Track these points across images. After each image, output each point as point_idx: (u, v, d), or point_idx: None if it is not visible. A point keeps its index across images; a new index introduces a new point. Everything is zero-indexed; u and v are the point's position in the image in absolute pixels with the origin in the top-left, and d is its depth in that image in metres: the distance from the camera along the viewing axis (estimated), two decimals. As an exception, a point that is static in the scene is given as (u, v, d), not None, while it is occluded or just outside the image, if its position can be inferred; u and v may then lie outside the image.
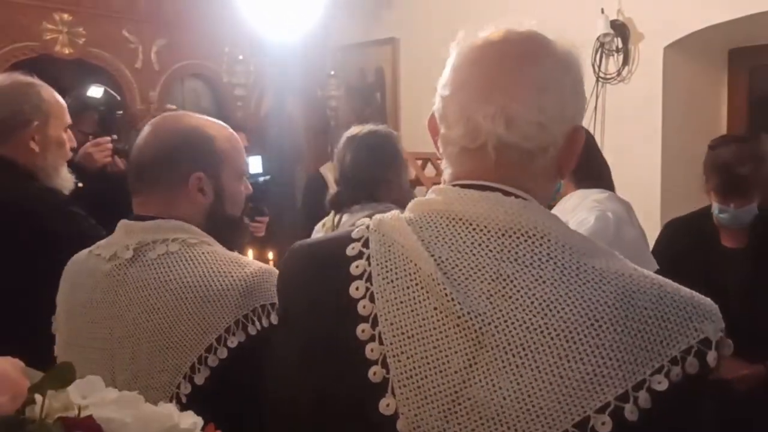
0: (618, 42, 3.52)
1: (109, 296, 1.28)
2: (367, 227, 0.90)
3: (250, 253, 2.38)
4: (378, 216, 0.91)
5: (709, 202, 2.38)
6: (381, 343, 0.81)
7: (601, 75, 3.58)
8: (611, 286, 0.79)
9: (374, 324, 0.82)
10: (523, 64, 0.86)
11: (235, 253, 1.33)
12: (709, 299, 0.82)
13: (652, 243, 2.40)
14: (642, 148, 3.45)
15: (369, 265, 0.86)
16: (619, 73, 3.55)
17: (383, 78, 4.61)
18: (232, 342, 1.20)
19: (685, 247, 2.39)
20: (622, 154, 3.13)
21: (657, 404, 0.75)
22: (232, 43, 3.89)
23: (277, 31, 3.78)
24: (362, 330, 0.83)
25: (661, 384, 0.75)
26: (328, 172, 4.05)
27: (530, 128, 0.84)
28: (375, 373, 0.81)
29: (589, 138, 2.44)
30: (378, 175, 2.17)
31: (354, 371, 0.82)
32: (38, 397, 0.78)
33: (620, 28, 3.49)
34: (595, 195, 2.27)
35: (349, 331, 0.83)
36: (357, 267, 0.86)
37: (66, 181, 1.99)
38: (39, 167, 1.91)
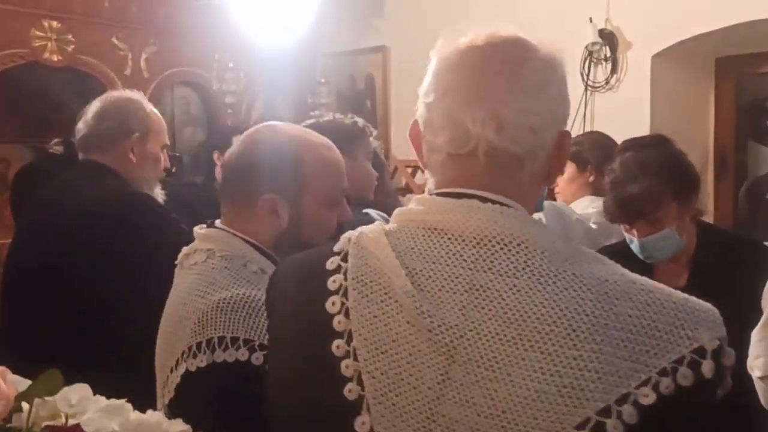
0: (606, 50, 3.54)
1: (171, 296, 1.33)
2: (349, 240, 0.87)
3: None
4: (361, 228, 0.89)
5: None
6: (356, 359, 0.79)
7: (590, 83, 3.60)
8: (592, 293, 0.74)
9: (349, 340, 0.80)
10: (510, 66, 0.84)
11: (232, 275, 1.23)
12: (707, 304, 0.76)
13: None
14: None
15: (345, 279, 0.84)
16: (607, 81, 3.57)
17: (373, 86, 4.62)
18: (182, 367, 1.15)
19: None
20: (611, 162, 3.14)
21: (645, 419, 0.69)
22: (223, 50, 3.88)
23: (268, 38, 3.78)
24: (337, 346, 0.81)
25: (647, 397, 0.70)
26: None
27: (521, 132, 0.81)
28: (350, 391, 0.79)
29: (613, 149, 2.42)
30: None
31: (331, 388, 0.80)
32: (25, 405, 0.78)
33: (608, 37, 3.52)
34: (584, 203, 2.30)
35: (326, 347, 0.81)
36: (334, 282, 0.84)
37: (157, 196, 2.06)
38: (134, 177, 1.99)
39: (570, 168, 2.37)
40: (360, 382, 0.78)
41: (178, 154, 2.84)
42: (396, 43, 4.42)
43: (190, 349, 1.14)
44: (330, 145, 1.34)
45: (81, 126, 2.00)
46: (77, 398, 0.80)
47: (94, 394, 0.83)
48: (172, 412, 1.09)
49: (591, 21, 3.51)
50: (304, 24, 3.80)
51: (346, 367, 0.80)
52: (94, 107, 2.01)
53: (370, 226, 0.88)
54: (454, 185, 0.85)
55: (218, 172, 3.53)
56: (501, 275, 0.76)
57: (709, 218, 3.80)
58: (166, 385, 1.18)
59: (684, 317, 0.73)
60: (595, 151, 2.37)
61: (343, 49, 4.59)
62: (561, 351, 0.71)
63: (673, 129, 3.60)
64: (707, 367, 0.71)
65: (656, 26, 3.38)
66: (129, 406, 0.81)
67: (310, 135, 1.34)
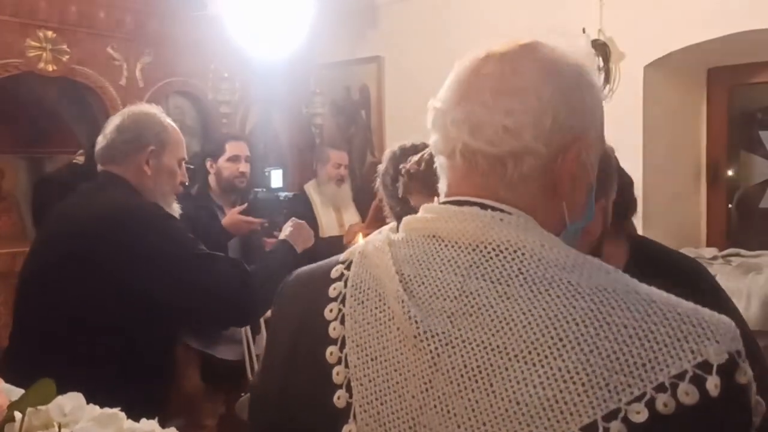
0: (599, 61, 3.56)
1: None
2: (356, 250, 0.87)
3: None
4: (370, 237, 0.88)
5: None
6: (347, 366, 0.78)
7: (583, 93, 3.62)
8: (585, 301, 0.70)
9: (342, 346, 0.79)
10: (501, 67, 0.82)
11: None
12: (721, 316, 0.70)
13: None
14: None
15: (345, 287, 0.83)
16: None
17: (368, 96, 4.63)
18: None
19: None
20: (605, 172, 3.15)
21: None
22: (218, 61, 3.89)
23: (263, 48, 3.79)
24: (330, 353, 0.80)
25: (639, 414, 0.64)
26: (313, 190, 4.05)
27: (494, 133, 0.79)
28: (339, 398, 0.78)
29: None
30: None
31: (322, 395, 0.79)
32: (18, 415, 0.77)
33: (601, 47, 3.54)
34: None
35: (320, 354, 0.80)
36: (334, 289, 0.84)
37: (172, 211, 2.09)
38: (148, 190, 2.04)
39: None
40: (349, 390, 0.77)
41: (192, 166, 2.82)
42: (390, 53, 4.44)
43: None
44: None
45: (100, 139, 2.07)
46: (70, 407, 0.79)
47: (89, 402, 0.83)
48: None
49: (584, 31, 3.53)
50: (298, 35, 3.82)
51: (337, 374, 0.79)
52: (113, 121, 2.08)
53: (379, 235, 0.87)
54: (451, 188, 0.84)
55: (211, 180, 3.49)
56: (492, 282, 0.74)
57: (701, 228, 3.83)
58: None
59: (688, 329, 0.68)
60: None
61: (337, 59, 4.61)
62: (546, 361, 0.68)
63: (666, 139, 3.63)
64: (712, 383, 0.65)
65: (649, 37, 3.40)
66: (122, 415, 0.81)
67: None
